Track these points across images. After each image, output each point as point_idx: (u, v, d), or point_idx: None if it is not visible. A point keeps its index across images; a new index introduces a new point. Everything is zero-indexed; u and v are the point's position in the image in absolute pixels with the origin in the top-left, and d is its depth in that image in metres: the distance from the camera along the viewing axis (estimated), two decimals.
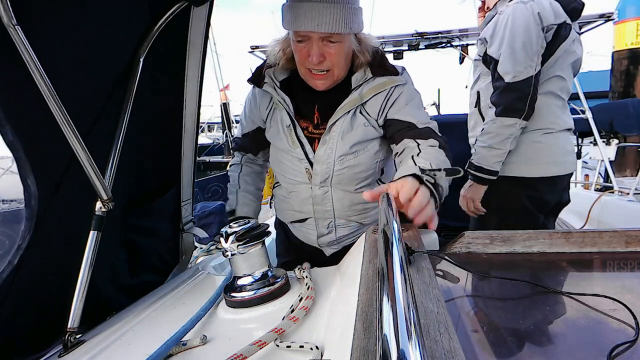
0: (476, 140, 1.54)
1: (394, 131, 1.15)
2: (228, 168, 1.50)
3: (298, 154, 1.20)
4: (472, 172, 1.55)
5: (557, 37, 1.44)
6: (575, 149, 4.57)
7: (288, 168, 1.25)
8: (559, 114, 1.55)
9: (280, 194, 1.37)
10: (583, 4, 1.51)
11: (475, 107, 1.64)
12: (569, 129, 1.60)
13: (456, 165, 1.86)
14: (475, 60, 1.64)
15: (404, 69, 1.20)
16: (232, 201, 1.40)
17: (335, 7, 0.99)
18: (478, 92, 1.62)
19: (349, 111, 1.14)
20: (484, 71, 1.58)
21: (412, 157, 1.03)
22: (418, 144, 1.09)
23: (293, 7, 1.02)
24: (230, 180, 1.45)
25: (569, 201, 1.70)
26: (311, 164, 1.20)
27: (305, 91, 1.17)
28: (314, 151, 1.19)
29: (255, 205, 1.41)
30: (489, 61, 1.51)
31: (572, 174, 1.64)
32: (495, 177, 1.51)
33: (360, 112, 1.16)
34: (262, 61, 1.32)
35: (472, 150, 1.71)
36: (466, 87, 1.76)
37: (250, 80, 1.28)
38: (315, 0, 0.99)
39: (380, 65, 1.16)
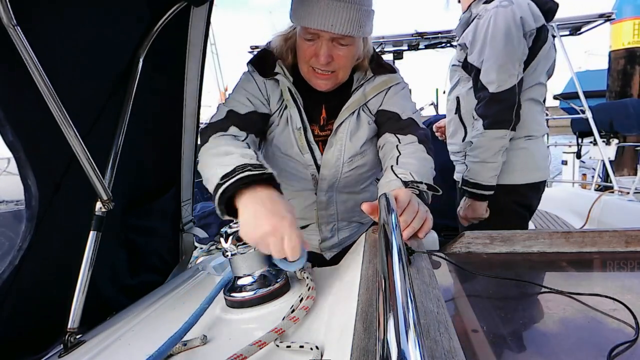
0: (466, 154, 1.51)
1: (380, 123, 1.15)
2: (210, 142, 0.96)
3: (306, 160, 1.13)
4: (469, 189, 1.49)
5: (537, 41, 1.41)
6: (575, 149, 4.58)
7: (291, 175, 1.18)
8: (540, 119, 1.54)
9: None
10: (557, 5, 1.48)
11: (455, 113, 1.60)
12: (545, 134, 1.62)
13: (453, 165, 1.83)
14: (454, 65, 1.60)
15: (393, 61, 1.21)
16: (247, 154, 0.85)
17: (352, 7, 0.94)
18: (458, 98, 1.58)
19: (353, 111, 1.12)
20: (464, 76, 1.55)
21: (392, 167, 1.00)
22: (398, 140, 1.08)
23: (308, 1, 0.95)
24: (222, 146, 0.92)
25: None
26: (318, 169, 1.15)
27: (311, 91, 1.11)
28: (321, 155, 1.15)
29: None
30: (469, 68, 1.48)
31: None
32: (492, 192, 1.47)
33: (364, 111, 1.15)
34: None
35: (453, 158, 1.71)
36: (444, 92, 1.71)
37: (253, 64, 1.10)
38: None
39: (378, 64, 1.15)
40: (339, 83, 1.11)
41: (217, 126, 1.01)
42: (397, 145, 1.07)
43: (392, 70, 1.16)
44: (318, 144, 1.15)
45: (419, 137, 1.08)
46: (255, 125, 1.07)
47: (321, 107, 1.15)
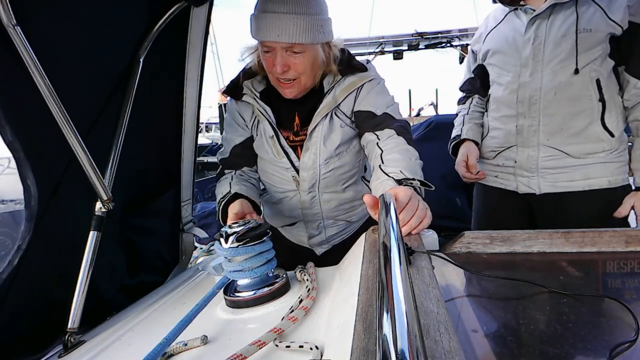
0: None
1: (359, 124, 1.17)
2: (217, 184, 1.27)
3: (284, 163, 1.20)
4: None
5: None
6: None
7: (275, 178, 1.26)
8: None
9: (269, 201, 1.38)
10: None
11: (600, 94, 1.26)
12: None
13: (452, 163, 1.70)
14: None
15: (368, 61, 1.21)
16: (223, 189, 1.18)
17: (298, 17, 0.98)
18: (598, 80, 1.26)
19: (326, 115, 1.14)
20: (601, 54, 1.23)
21: (380, 166, 1.02)
22: (377, 137, 1.11)
23: (258, 17, 1.01)
24: (217, 190, 1.24)
25: None
26: (297, 171, 1.20)
27: (284, 100, 1.15)
28: (299, 158, 1.19)
29: (253, 191, 1.21)
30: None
31: None
32: None
33: (336, 114, 1.17)
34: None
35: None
36: (577, 70, 1.24)
37: (226, 93, 1.25)
38: (278, 11, 0.98)
39: (348, 65, 1.16)
40: (305, 89, 1.13)
41: (223, 167, 1.29)
42: (377, 143, 1.10)
43: (362, 69, 1.16)
44: (296, 148, 1.20)
45: (397, 130, 1.10)
46: (241, 157, 1.27)
47: (294, 114, 1.19)
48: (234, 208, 1.08)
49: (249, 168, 1.29)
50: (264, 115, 1.17)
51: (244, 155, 1.27)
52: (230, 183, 1.20)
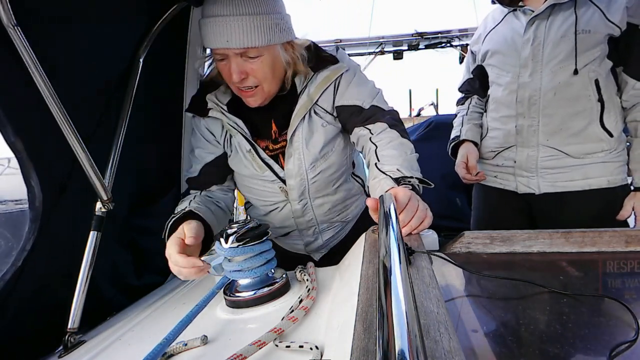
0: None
1: (344, 119, 1.10)
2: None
3: (267, 176, 1.11)
4: None
5: None
6: None
7: (260, 192, 1.17)
8: None
9: (256, 214, 1.28)
10: None
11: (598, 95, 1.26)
12: None
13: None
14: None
15: (337, 49, 1.13)
16: (180, 207, 1.04)
17: (247, 19, 0.90)
18: (597, 80, 1.26)
19: (304, 116, 1.06)
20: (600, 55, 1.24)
21: (376, 164, 0.98)
22: (369, 131, 1.06)
23: (205, 23, 0.93)
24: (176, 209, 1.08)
25: None
26: (283, 181, 1.12)
27: (255, 108, 1.06)
28: (283, 167, 1.11)
29: (213, 216, 1.06)
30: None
31: None
32: None
33: (315, 113, 1.08)
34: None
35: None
36: (576, 71, 1.25)
37: (190, 111, 1.13)
38: (224, 14, 0.90)
39: (317, 60, 1.08)
40: (269, 96, 1.05)
41: (189, 186, 1.16)
42: (370, 138, 1.05)
43: (333, 61, 1.08)
44: (278, 157, 1.12)
45: (389, 123, 1.06)
46: (212, 175, 1.15)
47: (270, 121, 1.10)
48: (185, 226, 0.92)
49: (217, 187, 1.17)
50: (236, 130, 1.07)
51: (215, 173, 1.15)
52: (190, 201, 1.05)
